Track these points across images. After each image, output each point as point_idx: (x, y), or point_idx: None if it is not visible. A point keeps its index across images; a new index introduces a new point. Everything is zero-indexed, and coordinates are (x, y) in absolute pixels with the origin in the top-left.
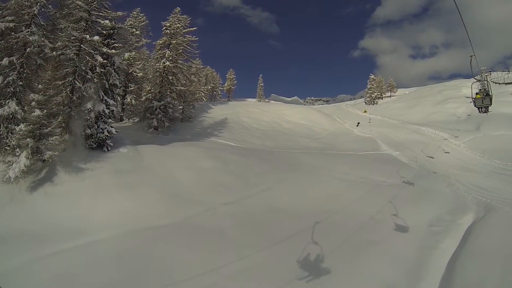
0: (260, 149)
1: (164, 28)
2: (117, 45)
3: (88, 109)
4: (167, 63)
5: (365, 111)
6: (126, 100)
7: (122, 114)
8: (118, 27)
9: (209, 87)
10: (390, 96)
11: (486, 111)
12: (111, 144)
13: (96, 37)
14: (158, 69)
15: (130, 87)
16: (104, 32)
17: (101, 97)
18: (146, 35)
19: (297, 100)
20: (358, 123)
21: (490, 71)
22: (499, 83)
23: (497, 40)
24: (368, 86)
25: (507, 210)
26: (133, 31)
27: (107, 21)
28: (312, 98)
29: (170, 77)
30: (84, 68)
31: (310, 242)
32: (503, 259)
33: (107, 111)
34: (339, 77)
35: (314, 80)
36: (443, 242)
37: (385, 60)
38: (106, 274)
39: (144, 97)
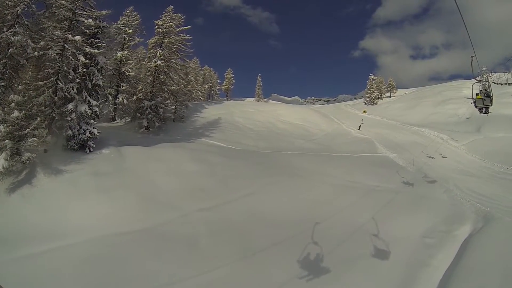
0: (251, 151)
1: (156, 26)
2: (100, 44)
3: (69, 110)
4: (159, 62)
5: (364, 112)
6: (118, 99)
7: (114, 113)
8: (103, 26)
9: (207, 87)
10: (390, 97)
11: (487, 111)
12: (93, 145)
13: (77, 37)
14: (149, 68)
15: (123, 87)
16: (87, 31)
17: (84, 97)
18: (139, 34)
19: (297, 100)
20: (360, 126)
21: (491, 72)
22: (501, 84)
23: (497, 41)
24: (368, 86)
25: (507, 221)
26: (126, 30)
27: (90, 20)
28: (313, 98)
29: (162, 76)
30: (66, 68)
31: (286, 255)
32: (501, 278)
33: (89, 111)
34: (339, 77)
35: (315, 80)
36: (436, 258)
37: (385, 60)
38: (67, 282)
39: (135, 97)
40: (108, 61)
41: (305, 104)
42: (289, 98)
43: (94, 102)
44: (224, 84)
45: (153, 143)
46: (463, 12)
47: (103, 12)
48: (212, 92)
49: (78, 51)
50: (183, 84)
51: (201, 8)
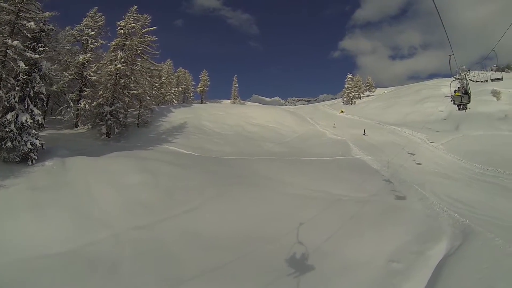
0: (211, 157)
1: (118, 28)
2: (43, 49)
3: (8, 121)
4: (119, 65)
5: (342, 111)
6: (80, 105)
7: (76, 120)
8: (47, 29)
9: (181, 89)
10: (369, 96)
11: (465, 108)
12: (36, 157)
13: (15, 42)
14: (110, 72)
15: (85, 91)
16: (29, 35)
17: (26, 106)
18: (104, 36)
19: (278, 100)
20: (335, 122)
21: (469, 70)
22: (481, 81)
23: (473, 42)
24: (346, 86)
25: (489, 238)
26: (89, 32)
27: (32, 23)
28: (294, 98)
29: (123, 80)
30: (6, 76)
31: (221, 286)
32: None
33: (30, 121)
34: (320, 77)
35: (296, 80)
36: None
37: (365, 60)
38: None
39: (95, 102)
40: (53, 66)
41: (286, 105)
42: (269, 99)
43: (37, 111)
44: (199, 86)
45: (107, 152)
46: (441, 13)
47: (47, 14)
48: (187, 94)
49: (19, 57)
50: (156, 87)
51: (181, 10)
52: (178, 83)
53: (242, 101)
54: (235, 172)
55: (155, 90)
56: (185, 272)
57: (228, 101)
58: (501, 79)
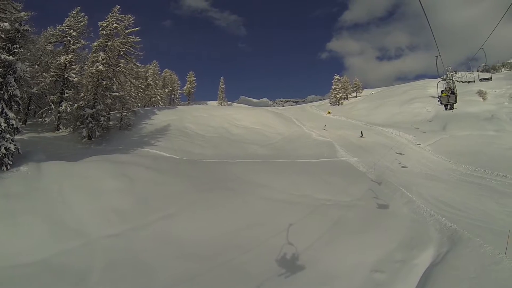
0: (192, 161)
1: (100, 28)
2: (17, 50)
3: None
4: (100, 67)
5: (329, 112)
6: (61, 107)
7: (58, 122)
8: (23, 30)
9: (167, 91)
10: (356, 97)
11: (452, 108)
12: (10, 162)
13: None
14: (90, 74)
15: (67, 93)
16: (3, 36)
17: (0, 110)
18: (87, 36)
19: (266, 101)
20: (325, 125)
21: (455, 71)
22: (468, 82)
23: (459, 43)
24: (333, 87)
25: (477, 244)
26: (71, 32)
27: (6, 24)
28: (282, 99)
29: (105, 82)
30: None
31: None
32: None
33: (4, 125)
34: (308, 78)
35: (284, 82)
36: None
37: (352, 61)
38: None
39: (76, 105)
40: (32, 68)
41: (274, 106)
42: (257, 100)
43: (11, 115)
44: (185, 87)
45: (87, 156)
46: (427, 14)
47: (23, 14)
48: (173, 96)
49: None
50: (141, 88)
51: (169, 11)
52: (164, 84)
53: (228, 102)
54: (215, 177)
55: (140, 92)
56: (156, 283)
57: (215, 103)
58: (490, 79)
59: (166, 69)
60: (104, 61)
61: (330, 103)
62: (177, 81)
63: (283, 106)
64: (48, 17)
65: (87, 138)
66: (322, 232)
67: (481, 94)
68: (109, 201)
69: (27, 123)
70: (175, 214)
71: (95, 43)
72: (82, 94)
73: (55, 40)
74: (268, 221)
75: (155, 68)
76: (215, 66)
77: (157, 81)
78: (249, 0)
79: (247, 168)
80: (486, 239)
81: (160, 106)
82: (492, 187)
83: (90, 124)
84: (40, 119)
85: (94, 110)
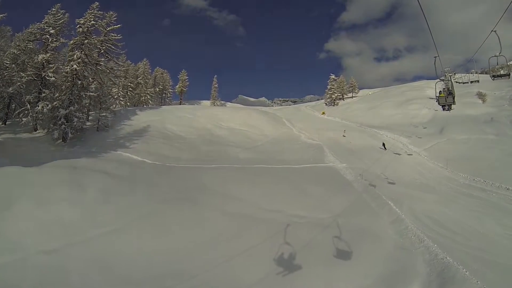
0: (164, 165)
1: (77, 26)
2: None
3: None
4: (75, 66)
5: (323, 113)
6: (37, 107)
7: (35, 123)
8: None
9: (157, 90)
10: (352, 97)
11: (449, 109)
12: None
13: None
14: (65, 73)
15: (44, 93)
16: None
17: None
18: (67, 34)
19: (264, 101)
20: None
21: (454, 72)
22: (465, 83)
23: (457, 45)
24: (329, 87)
25: (474, 286)
26: (49, 30)
27: None
28: (280, 99)
29: (80, 81)
30: None
31: None
32: None
33: None
34: (306, 78)
35: (282, 81)
36: None
37: (350, 62)
38: None
39: (50, 105)
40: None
41: (272, 105)
42: (255, 100)
43: None
44: (177, 86)
45: (53, 159)
46: (426, 15)
47: None
48: (164, 95)
49: None
50: (131, 87)
51: (168, 10)
52: (155, 83)
53: (222, 102)
54: (179, 185)
55: (130, 90)
56: None
57: (208, 102)
58: (508, 75)
59: (157, 67)
60: (79, 60)
61: (326, 104)
62: (168, 80)
63: (281, 106)
64: (35, 16)
65: (61, 140)
66: (285, 259)
67: (481, 96)
68: (55, 212)
69: (7, 123)
70: (121, 230)
71: (71, 42)
72: (57, 94)
73: (34, 38)
74: (224, 242)
75: (146, 67)
76: (213, 66)
77: (147, 80)
78: (248, 0)
79: (220, 175)
80: (486, 279)
81: (145, 106)
82: (493, 202)
83: (63, 126)
84: (17, 119)
85: (67, 110)
